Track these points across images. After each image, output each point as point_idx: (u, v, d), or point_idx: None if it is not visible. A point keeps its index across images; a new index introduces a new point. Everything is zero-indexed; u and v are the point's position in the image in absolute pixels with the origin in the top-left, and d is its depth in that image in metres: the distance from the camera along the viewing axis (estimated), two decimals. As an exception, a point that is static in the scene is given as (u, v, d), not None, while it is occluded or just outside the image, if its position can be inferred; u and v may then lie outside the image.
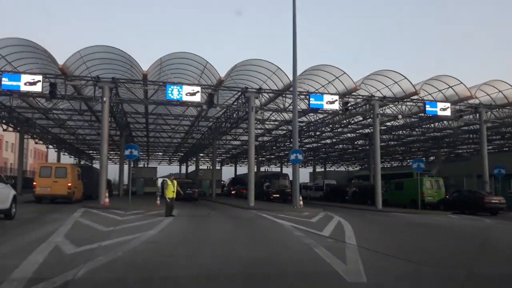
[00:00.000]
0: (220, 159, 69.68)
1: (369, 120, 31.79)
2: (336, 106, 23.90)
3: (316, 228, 12.13)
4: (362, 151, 50.66)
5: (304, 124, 33.46)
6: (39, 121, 33.28)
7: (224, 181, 60.37)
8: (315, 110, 24.98)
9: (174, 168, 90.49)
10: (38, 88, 20.34)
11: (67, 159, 59.96)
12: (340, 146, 47.85)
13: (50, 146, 48.76)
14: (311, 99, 23.50)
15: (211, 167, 51.58)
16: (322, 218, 16.29)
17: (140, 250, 7.59)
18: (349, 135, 39.72)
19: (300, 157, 20.88)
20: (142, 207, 18.97)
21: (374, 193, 30.06)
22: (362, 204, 29.80)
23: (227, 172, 73.14)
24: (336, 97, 23.88)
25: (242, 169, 66.05)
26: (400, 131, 36.49)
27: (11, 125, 33.37)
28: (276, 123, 35.40)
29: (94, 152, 57.31)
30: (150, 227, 11.18)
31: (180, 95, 21.63)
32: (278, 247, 8.70)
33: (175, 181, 15.80)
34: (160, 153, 64.31)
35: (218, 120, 31.66)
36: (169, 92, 21.55)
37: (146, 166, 68.04)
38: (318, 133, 34.77)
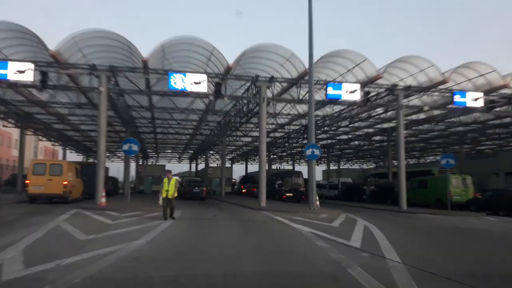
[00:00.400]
0: (231, 156, 67.74)
1: (389, 113, 29.48)
2: (356, 96, 21.64)
3: (342, 235, 10.01)
4: (379, 147, 48.22)
5: (319, 118, 31.22)
6: (41, 116, 31.59)
7: (234, 179, 58.48)
8: (333, 101, 22.76)
9: (184, 166, 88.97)
10: (28, 77, 18.51)
11: (74, 157, 58.78)
12: (356, 142, 45.43)
13: (57, 144, 47.18)
14: (328, 88, 21.29)
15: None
16: (344, 222, 14.15)
17: (109, 274, 5.55)
18: (366, 130, 37.29)
19: (317, 152, 18.74)
20: (142, 208, 17.08)
21: (394, 192, 28.20)
22: (381, 204, 27.80)
23: (238, 170, 71.21)
24: (357, 86, 21.61)
25: (253, 167, 64.13)
26: (421, 126, 34.02)
27: (11, 121, 31.85)
28: (289, 117, 33.28)
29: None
30: (140, 235, 9.19)
31: (184, 85, 19.61)
32: (299, 266, 6.59)
33: (174, 178, 13.79)
34: (170, 151, 62.57)
35: (227, 114, 29.59)
36: (172, 81, 19.56)
37: (155, 164, 66.38)
38: (334, 128, 32.42)
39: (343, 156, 63.13)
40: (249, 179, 48.29)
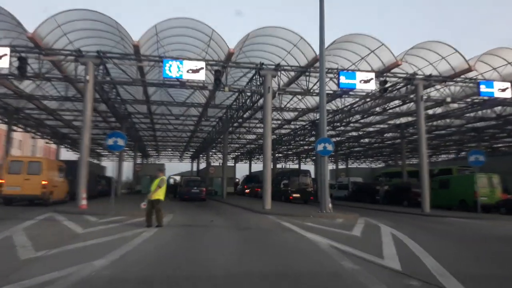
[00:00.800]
0: (234, 155, 65.57)
1: (404, 107, 27.18)
2: (371, 85, 19.39)
3: (370, 249, 7.77)
4: (391, 145, 45.81)
5: (328, 113, 28.96)
6: (32, 112, 29.52)
7: (238, 179, 56.28)
8: (346, 91, 20.54)
9: (186, 166, 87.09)
10: (4, 63, 16.46)
11: (71, 156, 56.80)
12: (366, 140, 43.06)
13: (51, 142, 45.16)
14: (341, 77, 19.05)
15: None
16: (365, 229, 11.87)
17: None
18: (378, 126, 34.95)
19: (329, 147, 16.49)
20: (127, 211, 14.90)
21: (411, 193, 25.95)
22: (396, 205, 25.58)
23: (242, 170, 69.15)
24: (372, 74, 19.36)
25: (257, 166, 61.95)
26: (436, 122, 31.67)
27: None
28: (296, 112, 31.02)
29: (100, 147, 53.46)
30: (108, 251, 6.99)
31: (180, 73, 17.44)
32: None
33: (164, 177, 11.62)
34: (170, 150, 60.45)
35: (229, 109, 27.37)
36: (167, 68, 17.39)
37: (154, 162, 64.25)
38: (344, 123, 30.08)
39: (351, 155, 60.71)
40: (253, 179, 46.07)
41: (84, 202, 15.91)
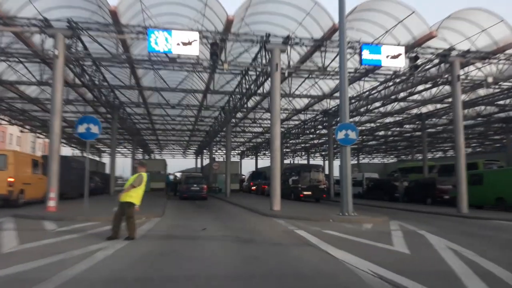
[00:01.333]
0: (239, 151, 62.53)
1: (426, 93, 23.90)
2: (400, 62, 16.21)
3: (441, 282, 4.73)
4: (407, 138, 42.46)
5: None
6: (11, 101, 26.61)
7: (243, 175, 53.25)
8: (370, 71, 17.39)
9: (190, 162, 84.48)
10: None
11: (69, 152, 54.15)
12: (382, 132, 39.72)
13: (42, 136, 42.40)
14: (364, 51, 15.88)
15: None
16: (409, 240, 8.70)
17: None
18: (397, 117, 31.67)
19: (352, 135, 13.36)
20: (103, 216, 11.90)
21: (436, 190, 22.94)
22: (418, 204, 22.81)
23: (248, 165, 66.15)
24: (401, 49, 16.18)
25: (263, 162, 58.83)
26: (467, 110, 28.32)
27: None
28: (305, 103, 27.87)
29: (100, 143, 50.42)
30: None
31: (169, 46, 14.40)
32: None
33: (144, 174, 8.54)
34: (173, 145, 57.47)
35: (232, 95, 24.27)
36: (152, 40, 14.34)
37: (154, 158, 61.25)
38: (361, 112, 26.80)
39: (363, 149, 57.33)
40: (260, 175, 43.02)
41: (52, 204, 12.99)
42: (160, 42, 14.33)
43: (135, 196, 8.28)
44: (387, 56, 15.99)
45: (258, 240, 8.58)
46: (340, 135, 13.33)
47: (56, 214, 11.94)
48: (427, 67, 18.27)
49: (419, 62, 16.84)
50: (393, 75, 18.24)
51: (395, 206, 21.12)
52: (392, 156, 68.05)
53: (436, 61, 17.83)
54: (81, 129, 12.50)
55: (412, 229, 10.96)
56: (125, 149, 58.34)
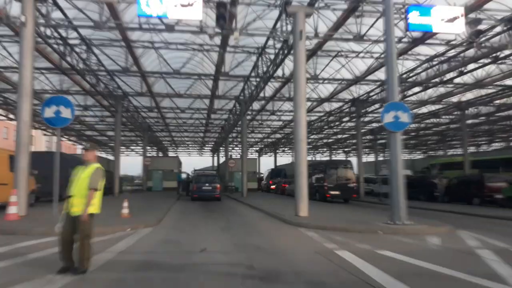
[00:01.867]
0: (257, 147, 59.37)
1: (489, 68, 20.15)
2: (457, 28, 12.78)
3: None
4: (441, 132, 38.57)
5: (376, 85, 22.38)
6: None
7: (262, 173, 50.12)
8: (419, 39, 13.96)
9: (207, 160, 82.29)
10: None
11: (71, 149, 51.96)
12: (414, 125, 35.88)
13: (49, 133, 40.16)
14: (411, 14, 12.52)
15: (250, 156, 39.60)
16: (503, 265, 5.43)
17: None
18: (434, 106, 28.01)
19: (404, 117, 10.04)
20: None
21: (485, 188, 19.48)
22: (462, 204, 19.72)
23: (266, 163, 62.93)
24: (458, 10, 12.75)
25: (282, 160, 55.61)
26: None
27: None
28: (331, 89, 24.50)
29: (105, 137, 46.65)
30: None
31: (164, 9, 11.36)
32: None
33: (99, 166, 5.45)
34: (188, 142, 54.64)
35: (247, 80, 21.09)
36: (143, 2, 11.34)
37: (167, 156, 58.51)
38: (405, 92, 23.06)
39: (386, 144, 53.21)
40: (279, 173, 39.79)
41: (13, 211, 10.08)
42: (153, 3, 11.31)
43: (95, 202, 5.27)
44: (441, 19, 12.58)
45: (283, 273, 5.38)
46: (388, 117, 10.02)
47: (13, 225, 9.05)
48: (488, 36, 14.72)
49: (483, 27, 13.32)
50: (449, 44, 14.67)
51: (438, 207, 17.69)
52: (419, 152, 63.80)
53: (499, 28, 14.32)
54: (49, 112, 9.56)
55: (501, 245, 7.63)
56: (138, 147, 55.89)
